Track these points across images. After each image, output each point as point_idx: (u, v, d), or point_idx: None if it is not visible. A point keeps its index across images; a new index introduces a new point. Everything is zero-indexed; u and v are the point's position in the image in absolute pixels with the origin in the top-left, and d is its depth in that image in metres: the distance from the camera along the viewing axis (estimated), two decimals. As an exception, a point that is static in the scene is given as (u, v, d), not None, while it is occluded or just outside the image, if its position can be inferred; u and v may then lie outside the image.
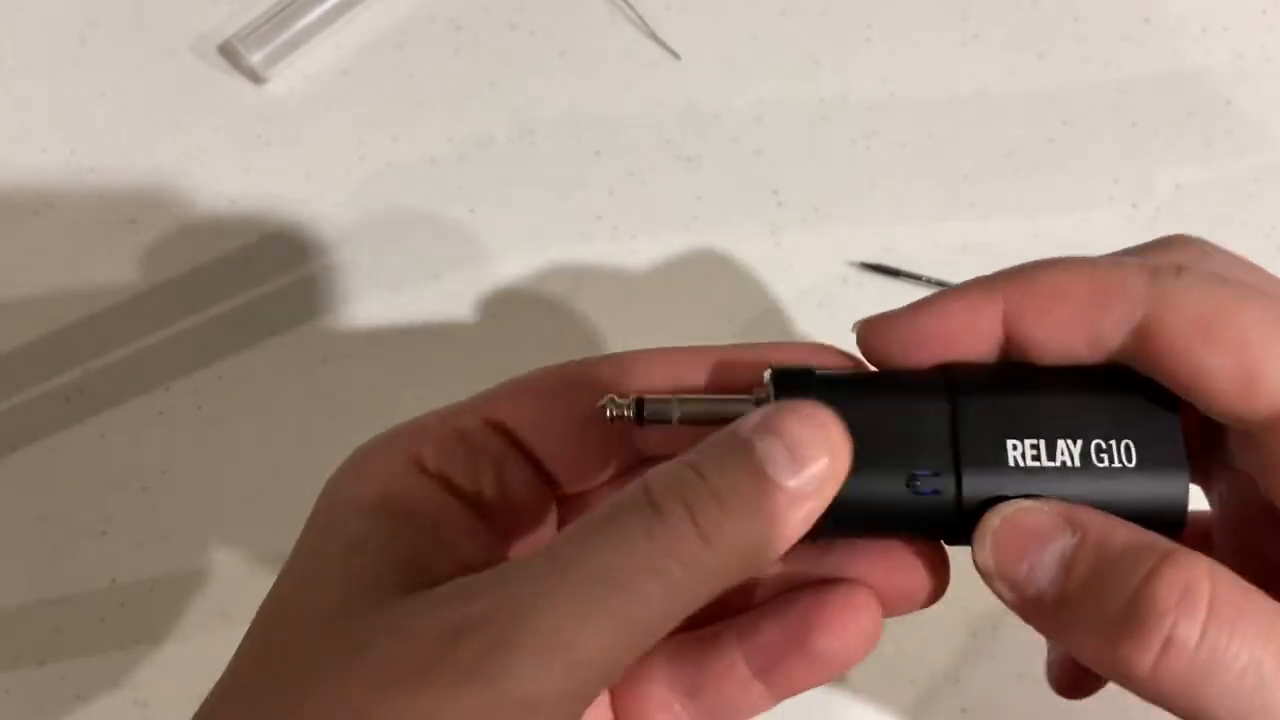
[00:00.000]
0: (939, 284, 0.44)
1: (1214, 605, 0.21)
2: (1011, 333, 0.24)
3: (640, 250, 0.45)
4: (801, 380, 0.24)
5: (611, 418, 0.24)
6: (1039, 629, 0.23)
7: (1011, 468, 0.23)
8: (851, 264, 0.44)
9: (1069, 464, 0.23)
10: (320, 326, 0.44)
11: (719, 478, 0.21)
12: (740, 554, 0.21)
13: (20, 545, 0.42)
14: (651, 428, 0.24)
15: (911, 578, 0.26)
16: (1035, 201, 0.45)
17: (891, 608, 0.26)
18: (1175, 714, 0.22)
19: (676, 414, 0.24)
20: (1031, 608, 0.23)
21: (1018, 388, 0.24)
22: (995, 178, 0.45)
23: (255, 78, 0.46)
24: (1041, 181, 0.45)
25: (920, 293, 0.44)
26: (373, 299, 0.44)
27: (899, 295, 0.44)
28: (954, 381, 0.24)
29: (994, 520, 0.23)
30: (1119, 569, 0.21)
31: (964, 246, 0.45)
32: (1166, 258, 0.25)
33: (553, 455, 0.26)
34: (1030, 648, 0.41)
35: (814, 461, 0.21)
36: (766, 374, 0.24)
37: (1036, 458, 0.23)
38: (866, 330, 0.25)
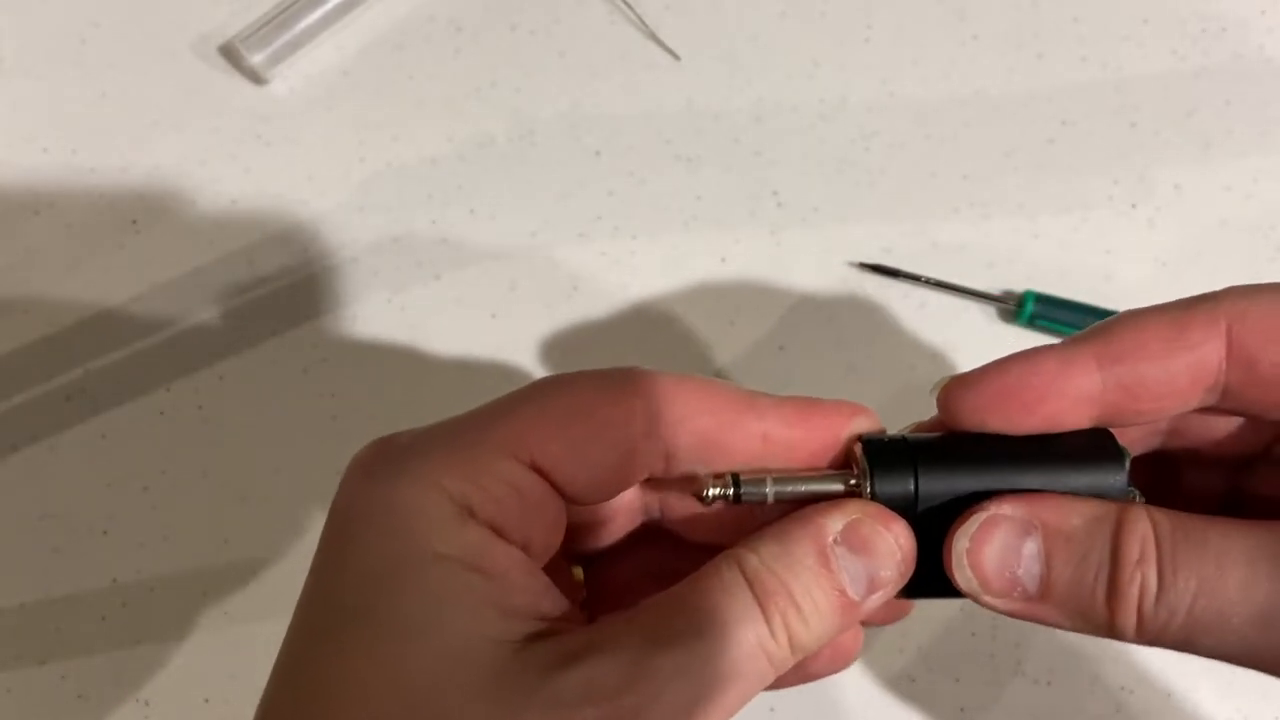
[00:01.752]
0: (939, 284, 0.44)
1: (1160, 550, 0.23)
2: (1111, 393, 0.24)
3: (640, 250, 0.45)
4: (896, 455, 0.24)
5: (709, 498, 0.25)
6: (1031, 621, 0.25)
7: None
8: (851, 264, 0.44)
9: None
10: (320, 326, 0.44)
11: (806, 602, 0.23)
12: (808, 651, 0.24)
13: (21, 545, 0.42)
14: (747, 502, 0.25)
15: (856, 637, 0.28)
16: (1035, 201, 0.45)
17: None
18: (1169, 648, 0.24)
19: (771, 496, 0.25)
20: (1022, 609, 0.24)
21: (982, 473, 0.25)
22: (995, 178, 0.45)
23: (256, 78, 0.46)
24: (1041, 181, 0.45)
25: (920, 292, 0.44)
26: (373, 299, 0.44)
27: (899, 295, 0.44)
28: (919, 456, 0.25)
29: (963, 542, 0.24)
30: (1088, 554, 0.23)
31: (964, 246, 0.45)
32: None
33: (579, 488, 0.25)
34: (1030, 648, 0.41)
35: (888, 585, 0.24)
36: (857, 447, 0.25)
37: None
38: (947, 393, 0.25)
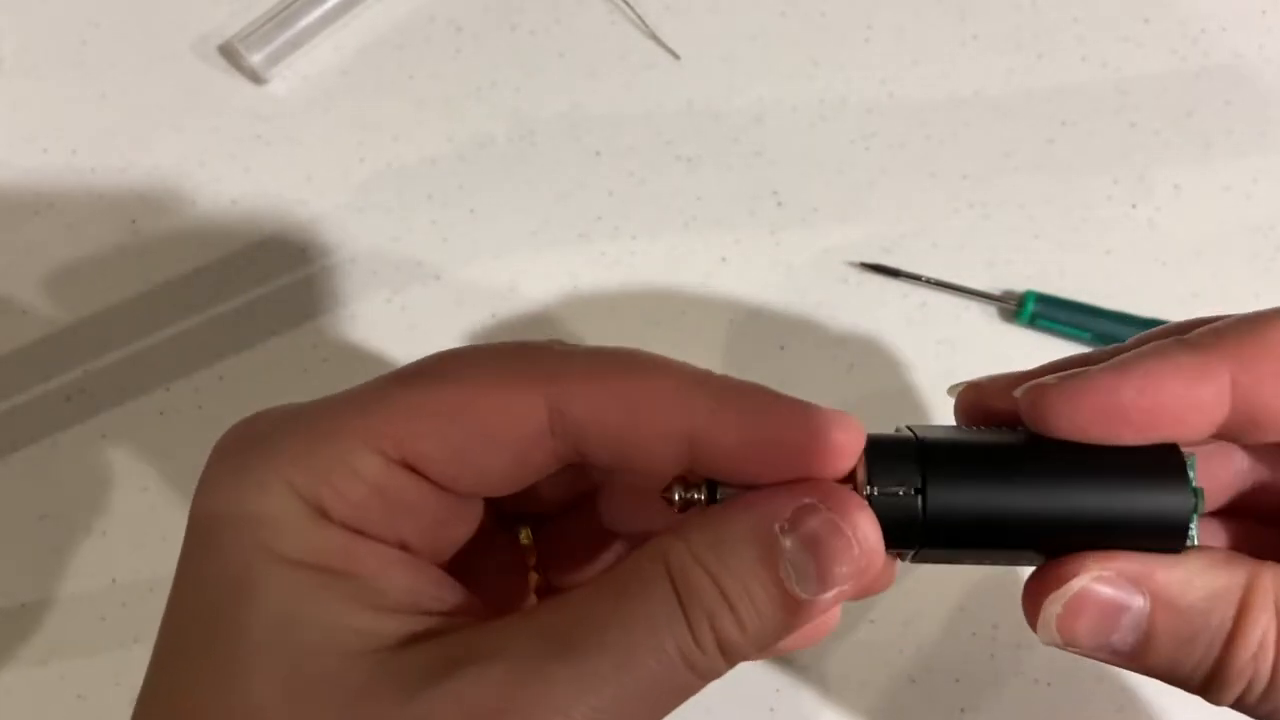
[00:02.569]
0: (939, 284, 0.44)
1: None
2: (1242, 405, 0.21)
3: (640, 250, 0.45)
4: (901, 457, 0.21)
5: (680, 502, 0.21)
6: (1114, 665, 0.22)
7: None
8: (851, 264, 0.44)
9: None
10: (320, 326, 0.44)
11: (742, 601, 0.20)
12: (747, 658, 0.20)
13: (20, 545, 0.42)
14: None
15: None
16: (1035, 201, 0.45)
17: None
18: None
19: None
20: (1108, 660, 0.22)
21: (1014, 490, 0.21)
22: (995, 178, 0.45)
23: (255, 78, 0.46)
24: (1041, 181, 0.45)
25: (920, 292, 0.44)
26: (373, 299, 0.44)
27: (899, 295, 0.44)
28: (929, 464, 0.21)
29: (1054, 608, 0.20)
30: (1201, 632, 0.20)
31: (964, 246, 0.45)
32: None
33: (464, 487, 0.22)
34: (1031, 648, 0.41)
35: (845, 582, 0.20)
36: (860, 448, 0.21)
37: None
38: (1045, 398, 0.21)
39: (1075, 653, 0.21)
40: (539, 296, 0.44)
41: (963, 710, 0.40)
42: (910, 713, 0.41)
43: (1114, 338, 0.42)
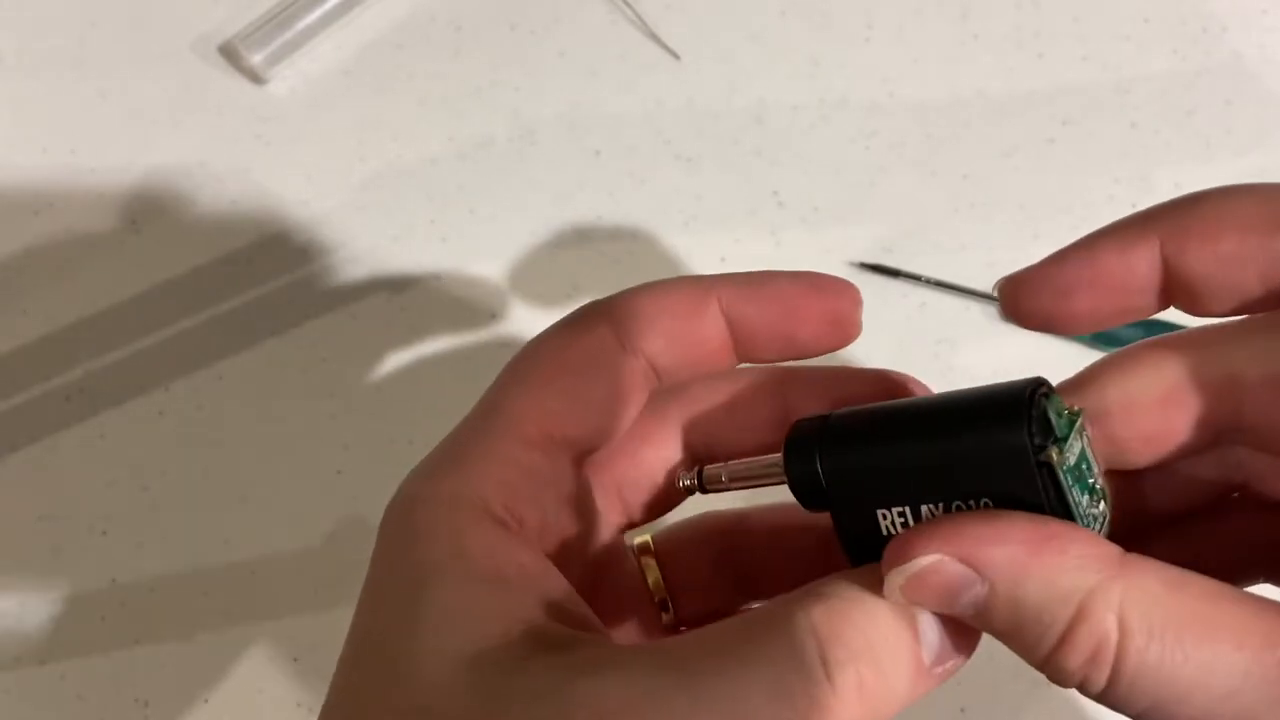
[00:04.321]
0: (939, 284, 0.44)
1: (1119, 662, 0.20)
2: (1173, 273, 0.22)
3: (640, 250, 0.45)
4: (810, 433, 0.23)
5: (682, 488, 0.26)
6: None
7: (886, 537, 0.22)
8: (851, 264, 0.44)
9: None
10: (320, 326, 0.44)
11: (889, 661, 0.21)
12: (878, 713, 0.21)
13: (20, 545, 0.42)
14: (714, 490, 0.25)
15: None
16: (1035, 201, 0.45)
17: None
18: None
19: (726, 478, 0.25)
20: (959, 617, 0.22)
21: (892, 445, 0.22)
22: (995, 178, 0.45)
23: (255, 78, 0.46)
24: (1041, 181, 0.45)
25: (920, 292, 0.44)
26: (373, 299, 0.44)
27: (899, 295, 0.44)
28: (828, 439, 0.23)
29: (897, 579, 0.21)
30: (1031, 628, 0.20)
31: (964, 246, 0.45)
32: None
33: (586, 429, 0.25)
34: (1030, 648, 0.41)
35: (959, 658, 0.21)
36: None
37: (905, 524, 0.22)
38: (1009, 288, 0.23)
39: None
40: (539, 296, 0.44)
41: (963, 710, 0.40)
42: (910, 713, 0.40)
43: (1114, 338, 0.42)
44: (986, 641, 0.22)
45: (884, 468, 0.22)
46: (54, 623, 0.41)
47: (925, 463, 0.22)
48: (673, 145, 0.46)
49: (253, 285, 0.44)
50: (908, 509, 0.22)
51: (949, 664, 0.21)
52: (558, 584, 0.23)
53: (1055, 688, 0.22)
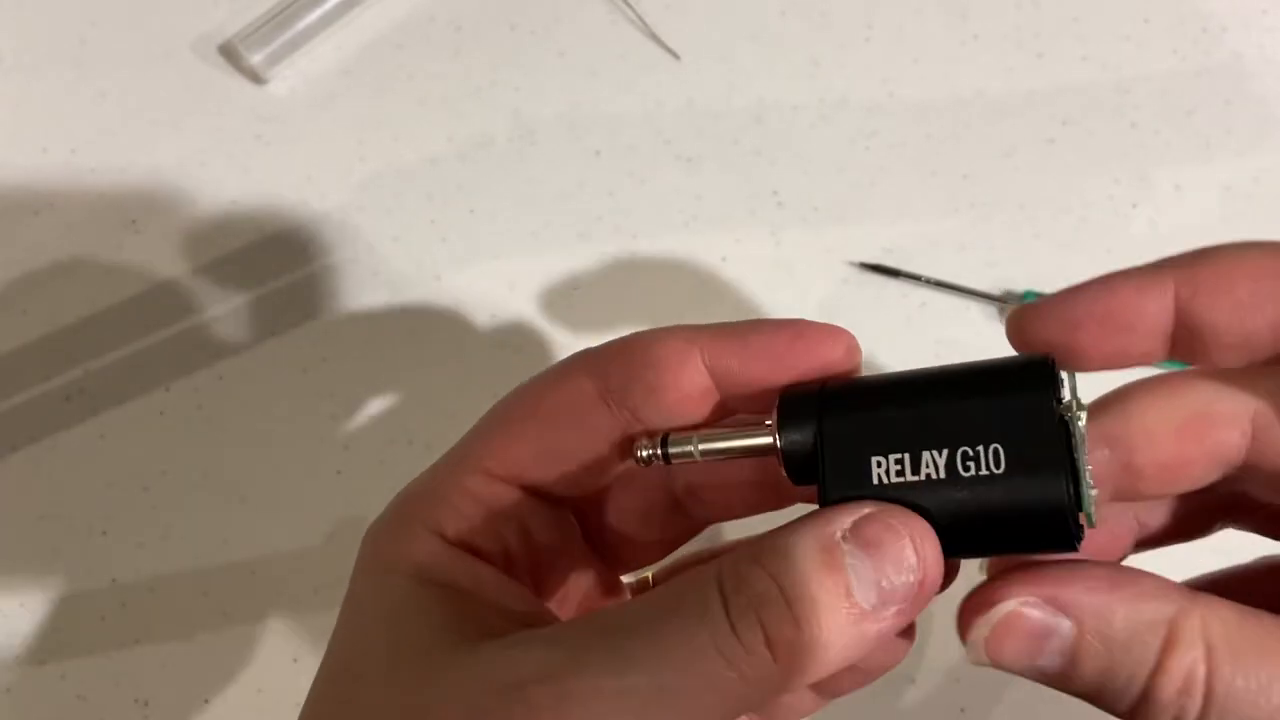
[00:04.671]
0: (939, 284, 0.44)
1: (1210, 691, 0.20)
2: (1184, 318, 0.22)
3: (640, 250, 0.45)
4: (807, 399, 0.23)
5: (643, 459, 0.24)
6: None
7: (875, 485, 0.22)
8: (851, 264, 0.44)
9: (934, 476, 0.22)
10: (320, 326, 0.44)
11: (801, 599, 0.20)
12: (806, 670, 0.20)
13: (20, 545, 0.42)
14: (679, 464, 0.24)
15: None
16: (1035, 201, 0.45)
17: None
18: None
19: (698, 453, 0.24)
20: (1037, 679, 0.22)
21: (894, 400, 0.22)
22: (995, 178, 0.45)
23: (255, 78, 0.46)
24: (1041, 181, 0.45)
25: (920, 292, 0.44)
26: (373, 299, 0.44)
27: (899, 295, 0.44)
28: (826, 397, 0.23)
29: (981, 631, 0.21)
30: (1123, 661, 0.20)
31: (964, 246, 0.45)
32: None
33: (555, 479, 0.25)
34: (1030, 648, 0.41)
35: (899, 597, 0.20)
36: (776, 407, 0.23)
37: (901, 473, 0.22)
38: (1018, 316, 0.23)
39: (1006, 671, 0.22)
40: (539, 296, 0.44)
41: (963, 710, 0.40)
42: (910, 713, 0.41)
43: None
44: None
45: (886, 418, 0.22)
46: (54, 623, 0.41)
47: (932, 414, 0.22)
48: (673, 145, 0.46)
49: (253, 285, 0.44)
50: (906, 455, 0.22)
51: (896, 607, 0.20)
52: (516, 598, 0.24)
53: (1055, 689, 0.22)
